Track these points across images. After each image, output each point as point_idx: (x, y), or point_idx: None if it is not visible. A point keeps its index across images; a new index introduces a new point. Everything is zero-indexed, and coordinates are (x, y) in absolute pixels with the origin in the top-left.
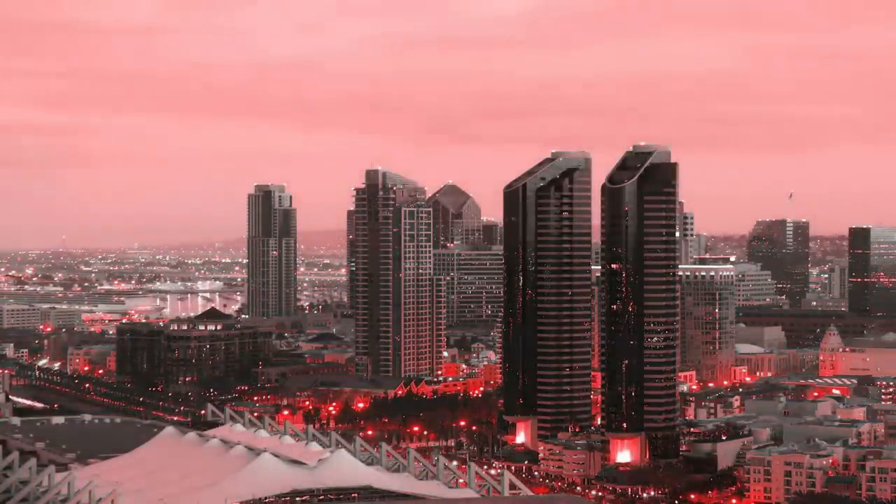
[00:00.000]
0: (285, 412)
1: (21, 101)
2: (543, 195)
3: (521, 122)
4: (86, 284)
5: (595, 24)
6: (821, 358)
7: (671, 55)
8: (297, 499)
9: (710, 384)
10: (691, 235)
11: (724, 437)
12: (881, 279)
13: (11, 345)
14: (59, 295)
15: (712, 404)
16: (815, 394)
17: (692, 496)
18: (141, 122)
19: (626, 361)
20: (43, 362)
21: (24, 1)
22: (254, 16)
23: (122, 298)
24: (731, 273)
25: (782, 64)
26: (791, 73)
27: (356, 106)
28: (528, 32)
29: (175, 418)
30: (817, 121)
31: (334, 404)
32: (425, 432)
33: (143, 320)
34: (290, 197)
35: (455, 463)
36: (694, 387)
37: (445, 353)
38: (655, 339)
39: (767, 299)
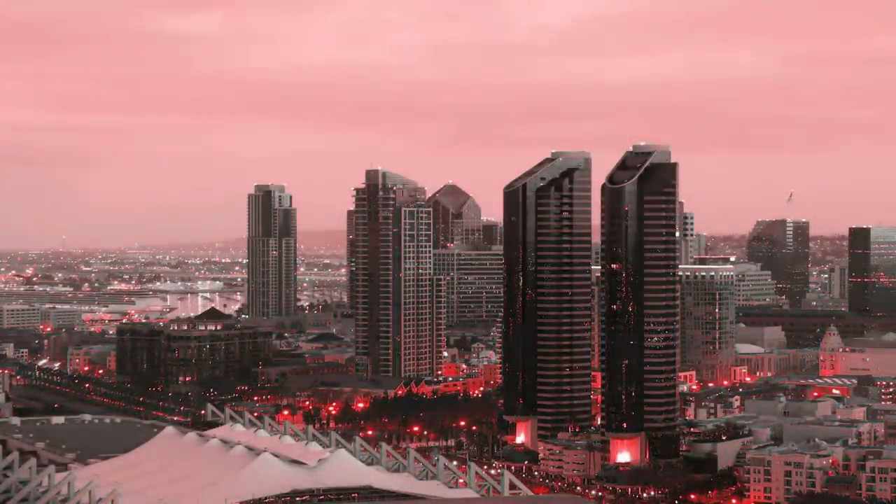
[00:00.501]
0: (285, 412)
1: (24, 102)
2: (543, 195)
3: (526, 125)
4: (95, 284)
5: (615, 35)
6: (821, 358)
7: (686, 62)
8: (297, 499)
9: (710, 384)
10: (691, 235)
11: (724, 437)
12: (881, 279)
13: (11, 345)
14: (69, 295)
15: (712, 404)
16: (815, 394)
17: (692, 496)
18: (141, 123)
19: (626, 361)
20: (43, 362)
21: (28, 2)
22: (291, 24)
23: (133, 299)
24: (731, 273)
25: (785, 67)
26: (793, 76)
27: (362, 107)
28: (554, 41)
29: (175, 418)
30: (817, 121)
31: (334, 404)
32: (425, 432)
33: (143, 320)
34: (290, 197)
35: (455, 463)
36: (694, 387)
37: (445, 353)
38: (655, 339)
39: (767, 299)
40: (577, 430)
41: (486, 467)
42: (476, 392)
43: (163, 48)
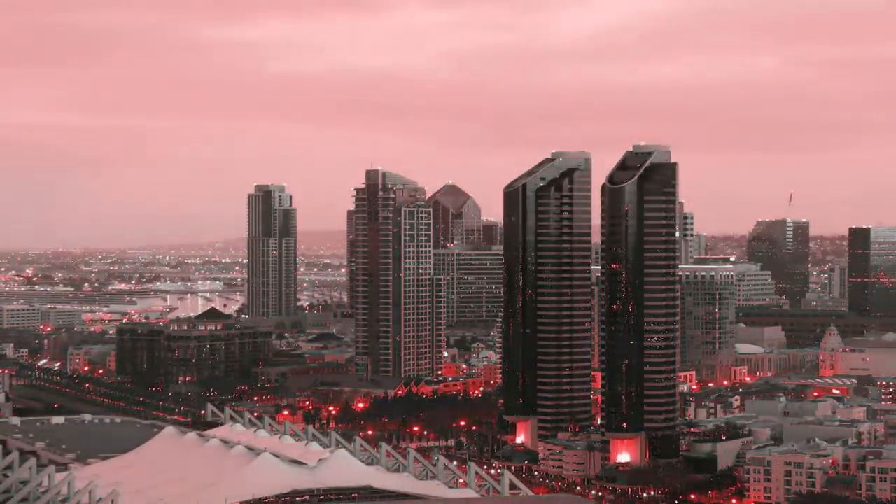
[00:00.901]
0: (285, 412)
1: (24, 102)
2: (543, 195)
3: (526, 125)
4: (95, 284)
5: (622, 41)
6: (821, 358)
7: (687, 65)
8: (297, 499)
9: (710, 384)
10: (691, 235)
11: (724, 437)
12: (881, 279)
13: (11, 345)
14: (69, 295)
15: (712, 404)
16: (815, 394)
17: (692, 496)
18: (142, 124)
19: (626, 361)
20: (43, 362)
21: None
22: (293, 29)
23: (133, 299)
24: (731, 273)
25: (785, 68)
26: (793, 77)
27: (362, 107)
28: (563, 48)
29: (175, 418)
30: (817, 122)
31: (334, 404)
32: (425, 432)
33: (143, 320)
34: (290, 197)
35: (455, 463)
36: (694, 387)
37: (445, 353)
38: (655, 339)
39: (767, 299)
40: (577, 430)
41: (486, 467)
42: (476, 392)
43: (165, 53)
